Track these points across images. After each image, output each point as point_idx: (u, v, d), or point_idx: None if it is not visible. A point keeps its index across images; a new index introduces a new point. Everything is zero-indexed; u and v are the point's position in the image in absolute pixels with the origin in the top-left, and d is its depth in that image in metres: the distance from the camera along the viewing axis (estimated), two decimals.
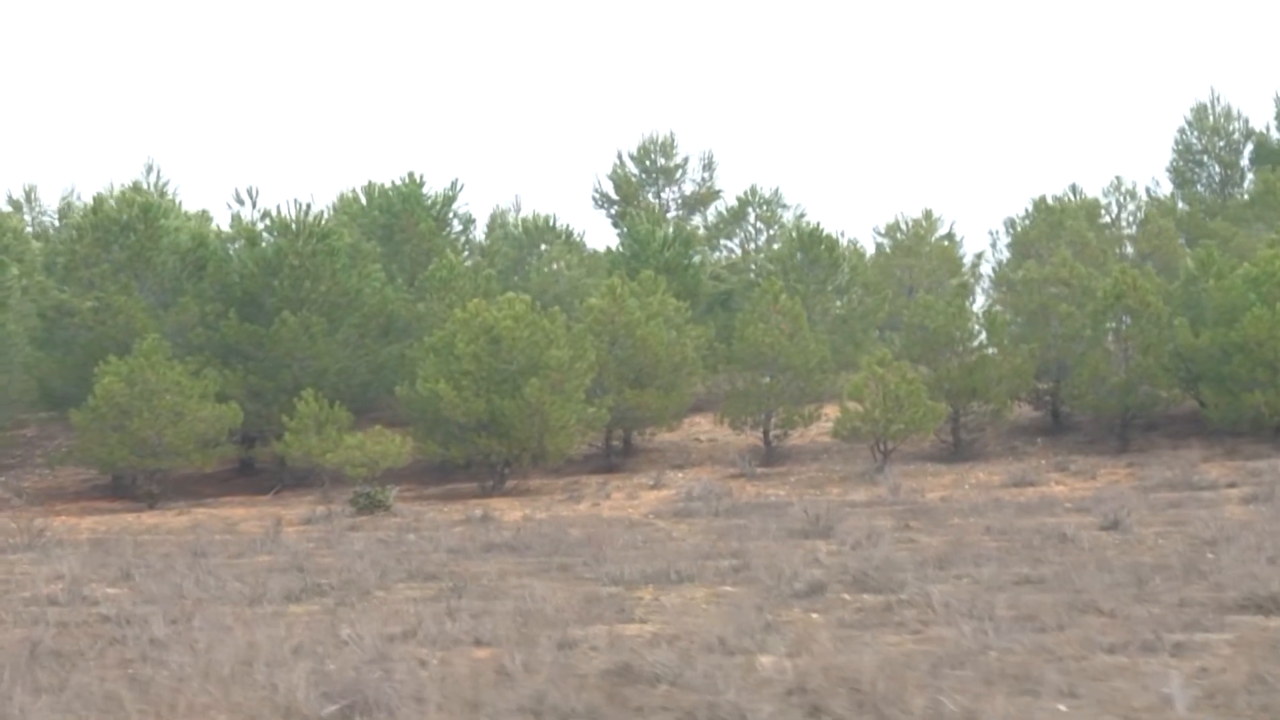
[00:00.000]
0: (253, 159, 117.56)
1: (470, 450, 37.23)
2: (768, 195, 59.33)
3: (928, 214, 58.54)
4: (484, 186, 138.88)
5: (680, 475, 37.96)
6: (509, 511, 32.91)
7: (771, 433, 40.28)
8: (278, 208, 42.72)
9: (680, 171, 65.53)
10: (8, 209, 60.77)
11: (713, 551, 23.46)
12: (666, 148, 65.46)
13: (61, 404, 40.26)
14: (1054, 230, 50.54)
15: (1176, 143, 62.32)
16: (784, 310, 40.30)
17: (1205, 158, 62.10)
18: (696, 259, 50.68)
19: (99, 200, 44.12)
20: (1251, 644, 13.18)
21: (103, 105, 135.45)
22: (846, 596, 18.12)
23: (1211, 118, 61.76)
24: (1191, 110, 62.08)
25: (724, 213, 61.27)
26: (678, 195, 65.62)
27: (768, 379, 40.02)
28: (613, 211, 64.56)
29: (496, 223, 59.74)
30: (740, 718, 11.10)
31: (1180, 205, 58.85)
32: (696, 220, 63.73)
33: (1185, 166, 62.13)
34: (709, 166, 65.52)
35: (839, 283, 48.42)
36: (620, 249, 52.08)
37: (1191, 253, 43.47)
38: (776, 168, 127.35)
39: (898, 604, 17.17)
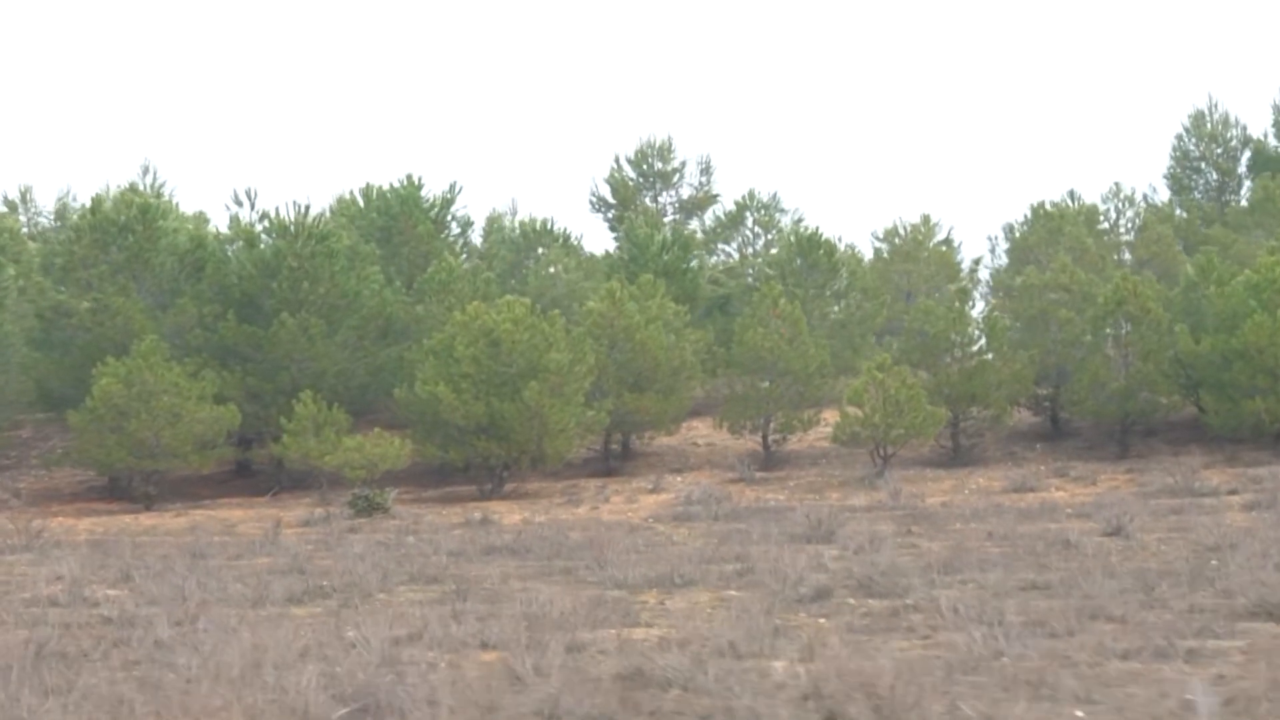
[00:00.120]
0: (248, 161, 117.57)
1: (469, 453, 37.15)
2: (766, 200, 59.39)
3: (926, 219, 58.55)
4: (481, 190, 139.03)
5: (679, 479, 37.89)
6: (508, 515, 32.85)
7: (770, 437, 40.21)
8: (276, 209, 42.62)
9: (678, 175, 65.53)
10: (3, 210, 60.71)
11: (715, 556, 23.40)
12: (664, 152, 65.45)
13: (59, 405, 40.14)
14: (1053, 236, 50.50)
15: (1174, 149, 62.36)
16: (783, 315, 40.25)
17: (1203, 165, 62.13)
18: (695, 263, 50.59)
19: (97, 201, 44.01)
20: (1266, 651, 13.11)
21: (99, 106, 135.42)
22: (852, 601, 18.07)
23: (1209, 124, 61.79)
24: (1189, 117, 62.15)
25: (722, 217, 61.23)
26: (675, 199, 65.61)
27: (767, 383, 39.96)
28: (610, 215, 64.51)
29: (493, 226, 59.66)
30: None
31: (1178, 212, 58.82)
32: (694, 224, 63.66)
33: (1183, 173, 62.16)
34: (706, 171, 65.58)
35: (837, 287, 48.36)
36: (618, 252, 52.05)
37: (1191, 259, 43.45)
38: (774, 172, 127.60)
39: (904, 609, 17.13)
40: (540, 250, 54.40)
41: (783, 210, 59.48)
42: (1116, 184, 58.34)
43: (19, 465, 43.79)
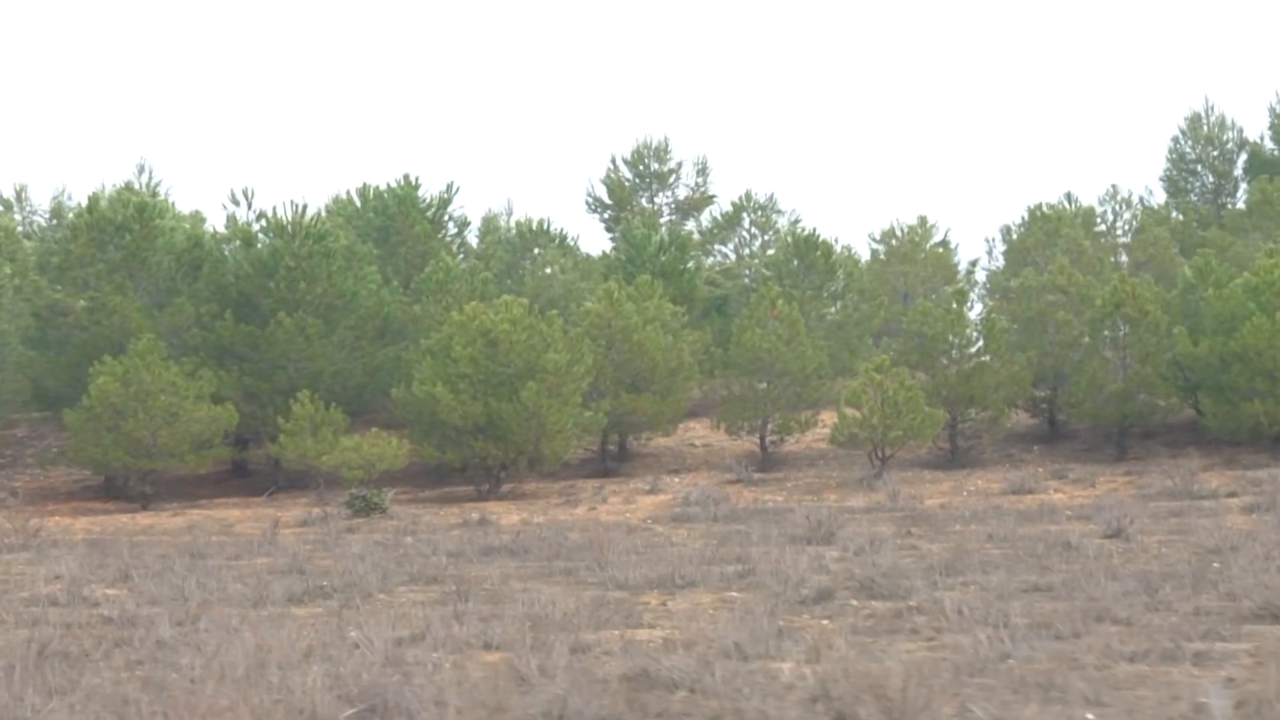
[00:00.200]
0: (243, 160, 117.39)
1: (466, 453, 37.11)
2: (762, 201, 59.32)
3: (923, 220, 58.43)
4: (477, 190, 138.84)
5: (676, 480, 37.86)
6: (505, 515, 32.82)
7: (768, 439, 40.17)
8: (273, 209, 42.57)
9: (674, 176, 65.46)
10: None
11: (715, 557, 23.36)
12: (660, 152, 65.37)
13: (55, 404, 40.08)
14: (1050, 238, 50.46)
15: (1170, 152, 62.34)
16: (781, 316, 40.21)
17: (1199, 167, 62.16)
18: (691, 264, 50.54)
19: (94, 200, 43.89)
20: (1274, 654, 13.06)
21: (94, 105, 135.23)
22: (855, 603, 18.02)
23: (1206, 127, 61.81)
24: (1186, 119, 62.13)
25: (718, 218, 61.15)
26: (671, 200, 65.54)
27: (764, 385, 39.91)
28: (606, 216, 64.45)
29: (489, 227, 59.56)
30: None
31: (1174, 215, 58.81)
32: (690, 225, 63.59)
33: (1179, 176, 62.17)
34: (703, 171, 65.49)
35: (834, 289, 48.33)
36: (615, 253, 52.01)
37: (1189, 262, 43.43)
38: (770, 173, 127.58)
39: (908, 611, 17.09)
40: (536, 251, 54.35)
41: (779, 211, 59.56)
42: (1113, 186, 58.40)
43: (14, 464, 43.71)
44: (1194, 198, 61.55)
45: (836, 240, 49.33)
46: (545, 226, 55.78)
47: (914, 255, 56.50)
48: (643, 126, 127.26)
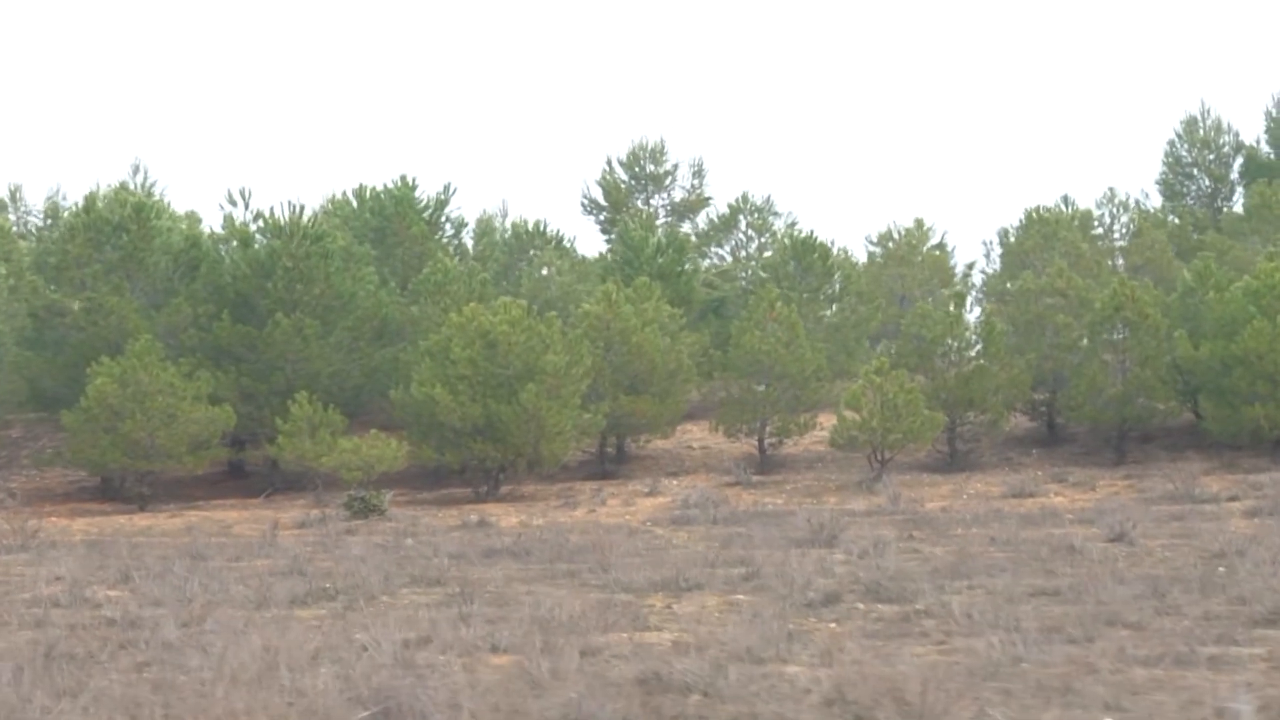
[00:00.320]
0: (237, 161, 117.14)
1: (465, 455, 37.02)
2: (759, 203, 59.17)
3: (919, 223, 58.41)
4: (471, 191, 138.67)
5: (675, 483, 37.79)
6: (505, 517, 32.75)
7: (766, 441, 40.09)
8: (271, 209, 42.43)
9: (670, 178, 65.32)
10: None
11: (718, 560, 23.28)
12: (656, 154, 65.25)
13: (51, 405, 39.93)
14: (1047, 241, 50.45)
15: (1166, 155, 62.29)
16: (780, 318, 40.14)
17: (1195, 171, 62.13)
18: (689, 266, 50.45)
19: (91, 200, 43.74)
20: None
21: (89, 105, 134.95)
22: (861, 606, 17.96)
23: (1202, 130, 61.79)
24: (1182, 123, 62.09)
25: (715, 220, 61.05)
26: (667, 202, 65.41)
27: (763, 387, 39.84)
28: (602, 218, 64.34)
29: (483, 228, 59.41)
30: None
31: (1170, 218, 58.79)
32: (686, 227, 63.45)
33: (1175, 179, 62.14)
34: (699, 173, 65.34)
35: (831, 291, 48.27)
36: (611, 255, 51.93)
37: (1189, 265, 43.39)
38: (766, 176, 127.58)
39: (915, 614, 17.02)
40: (532, 252, 54.25)
41: (776, 213, 59.37)
42: (1111, 189, 58.46)
43: (9, 465, 43.62)
44: (1190, 201, 61.54)
45: (833, 243, 49.08)
46: (542, 228, 55.69)
47: (911, 258, 56.46)
48: (638, 128, 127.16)
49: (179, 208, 53.97)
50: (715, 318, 47.66)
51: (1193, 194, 62.15)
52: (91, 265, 41.01)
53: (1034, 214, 53.55)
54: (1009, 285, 49.20)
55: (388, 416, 39.97)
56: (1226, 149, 61.77)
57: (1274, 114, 61.29)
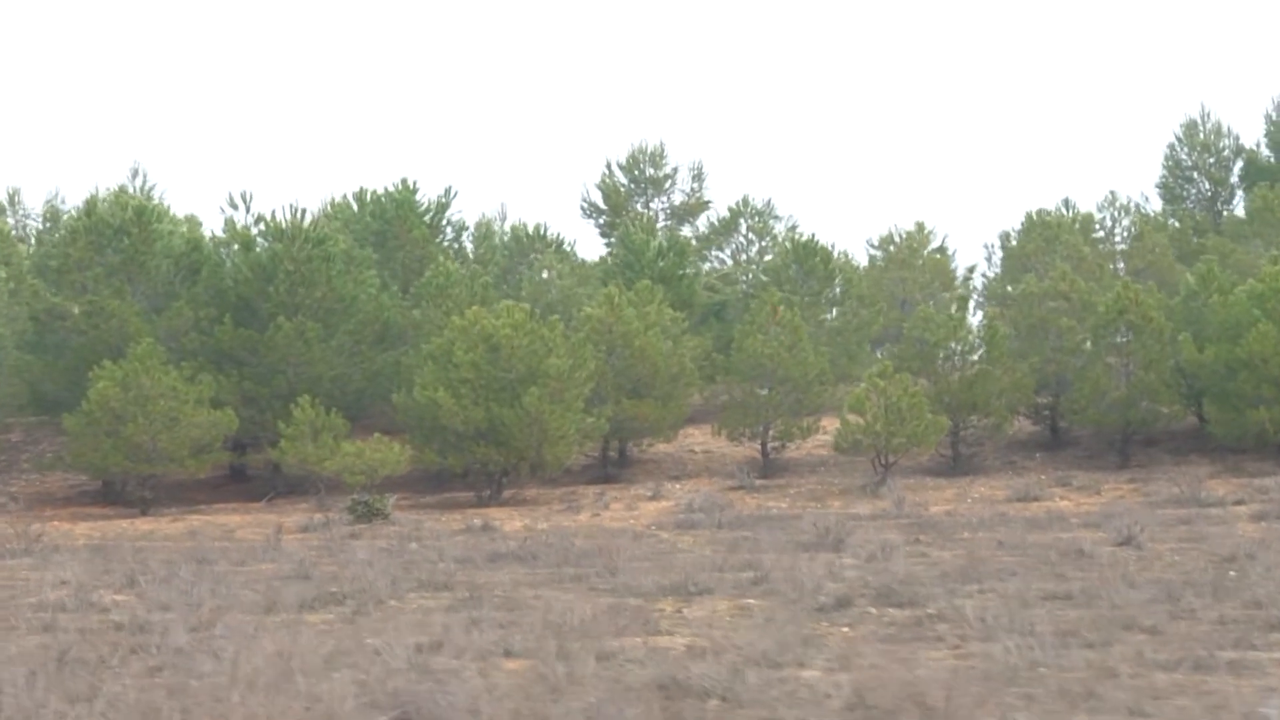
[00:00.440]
0: (236, 165, 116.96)
1: (468, 459, 36.91)
2: (760, 206, 59.06)
3: (920, 226, 58.39)
4: (470, 195, 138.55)
5: (678, 487, 37.70)
6: (508, 521, 32.66)
7: (769, 445, 40.01)
8: (272, 213, 42.34)
9: (669, 182, 65.18)
10: None
11: (725, 564, 23.19)
12: (656, 158, 65.15)
13: (52, 408, 39.84)
14: (1049, 245, 50.41)
15: (1166, 159, 62.20)
16: (783, 321, 40.08)
17: (1195, 174, 62.04)
18: (690, 270, 50.38)
19: (92, 203, 43.64)
20: None
21: (87, 109, 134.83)
22: (873, 610, 17.90)
23: (1202, 134, 61.71)
24: (1181, 126, 62.03)
25: (715, 223, 60.95)
26: (667, 205, 65.30)
27: (766, 391, 39.76)
28: (601, 221, 64.27)
29: (482, 232, 59.31)
30: None
31: (1171, 222, 58.74)
32: (685, 231, 63.37)
33: (1175, 183, 62.05)
34: (698, 177, 65.19)
35: (833, 295, 48.24)
36: (612, 258, 51.86)
37: (1192, 269, 43.32)
38: (766, 179, 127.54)
39: (928, 618, 16.97)
40: (533, 256, 54.16)
41: (777, 217, 59.26)
42: (1112, 193, 58.33)
43: (9, 469, 43.49)
44: (1190, 205, 61.48)
45: (834, 246, 49.08)
46: (542, 231, 55.64)
47: (912, 261, 56.44)
48: (638, 131, 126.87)
49: (178, 211, 53.87)
50: (716, 321, 47.61)
51: (1192, 197, 62.08)
52: (93, 268, 40.89)
53: (1035, 217, 53.48)
54: (1009, 289, 49.17)
55: (389, 420, 39.86)
56: (1226, 152, 61.72)
57: (1274, 117, 61.22)
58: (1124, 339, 38.47)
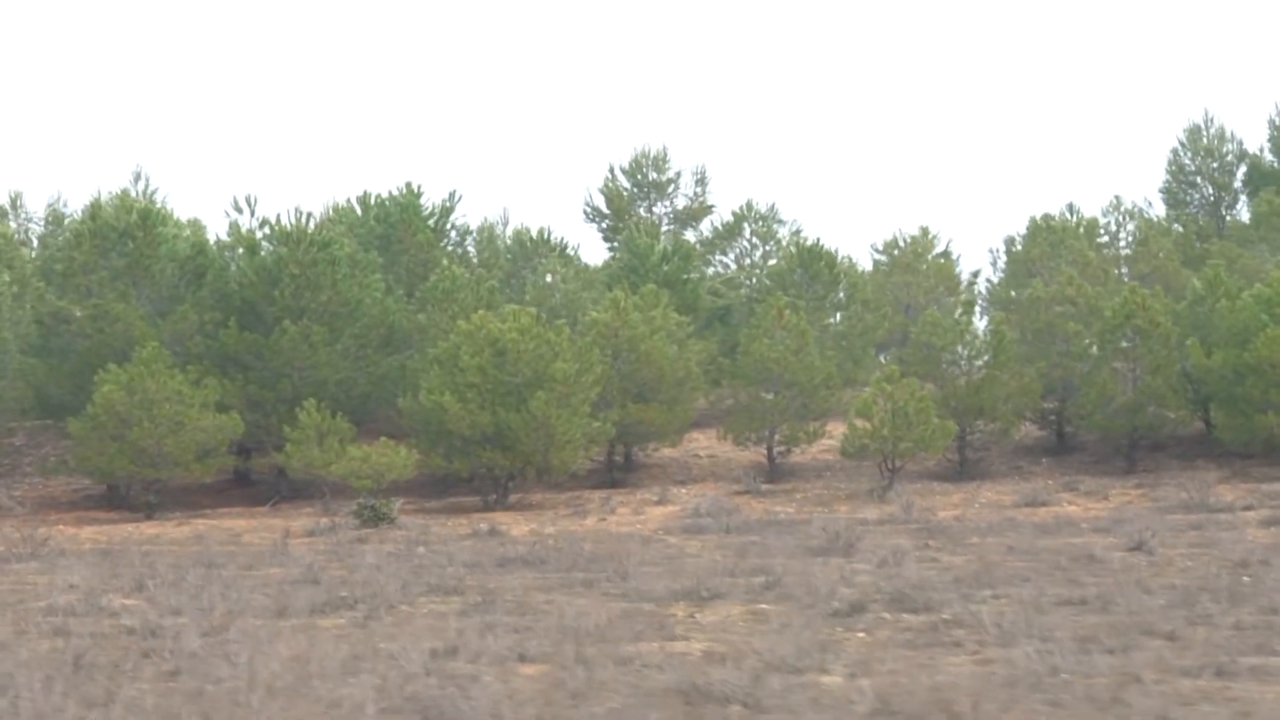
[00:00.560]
0: (239, 169, 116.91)
1: (474, 463, 36.79)
2: (764, 211, 58.95)
3: (925, 231, 58.32)
4: (472, 199, 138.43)
5: (684, 491, 37.62)
6: (515, 526, 32.57)
7: (775, 449, 39.91)
8: (277, 216, 42.29)
9: (672, 186, 65.05)
10: None
11: (736, 569, 23.12)
12: (659, 162, 65.03)
13: (57, 412, 39.72)
14: (1054, 249, 50.32)
15: (1170, 164, 62.08)
16: (789, 326, 39.99)
17: (1199, 179, 61.93)
18: (695, 274, 50.31)
19: (96, 206, 43.62)
20: None
21: (90, 112, 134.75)
22: (888, 616, 17.83)
23: (1205, 139, 61.61)
24: (1185, 131, 61.91)
25: (718, 228, 60.86)
26: (670, 210, 65.18)
27: (771, 395, 39.67)
28: (604, 225, 64.15)
29: (485, 236, 59.26)
30: None
31: (1174, 227, 58.62)
32: (689, 235, 63.29)
33: (1178, 188, 61.93)
34: (701, 181, 65.03)
35: (837, 299, 48.17)
36: (616, 262, 51.78)
37: (1198, 274, 43.23)
38: (769, 183, 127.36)
39: (943, 624, 16.90)
40: (536, 260, 54.09)
41: (781, 221, 59.13)
42: (1117, 197, 58.08)
43: (13, 473, 43.34)
44: (1193, 210, 61.36)
45: (838, 251, 49.01)
46: (546, 236, 55.58)
47: (916, 266, 56.36)
48: (641, 136, 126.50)
49: (181, 215, 53.83)
50: (721, 325, 47.54)
51: (1196, 202, 61.95)
52: (97, 272, 40.80)
53: (1039, 222, 53.39)
54: (1013, 293, 49.08)
55: (394, 424, 39.72)
56: (1230, 157, 61.62)
57: (1278, 122, 61.10)
58: (1131, 344, 38.33)
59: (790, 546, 26.04)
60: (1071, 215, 55.88)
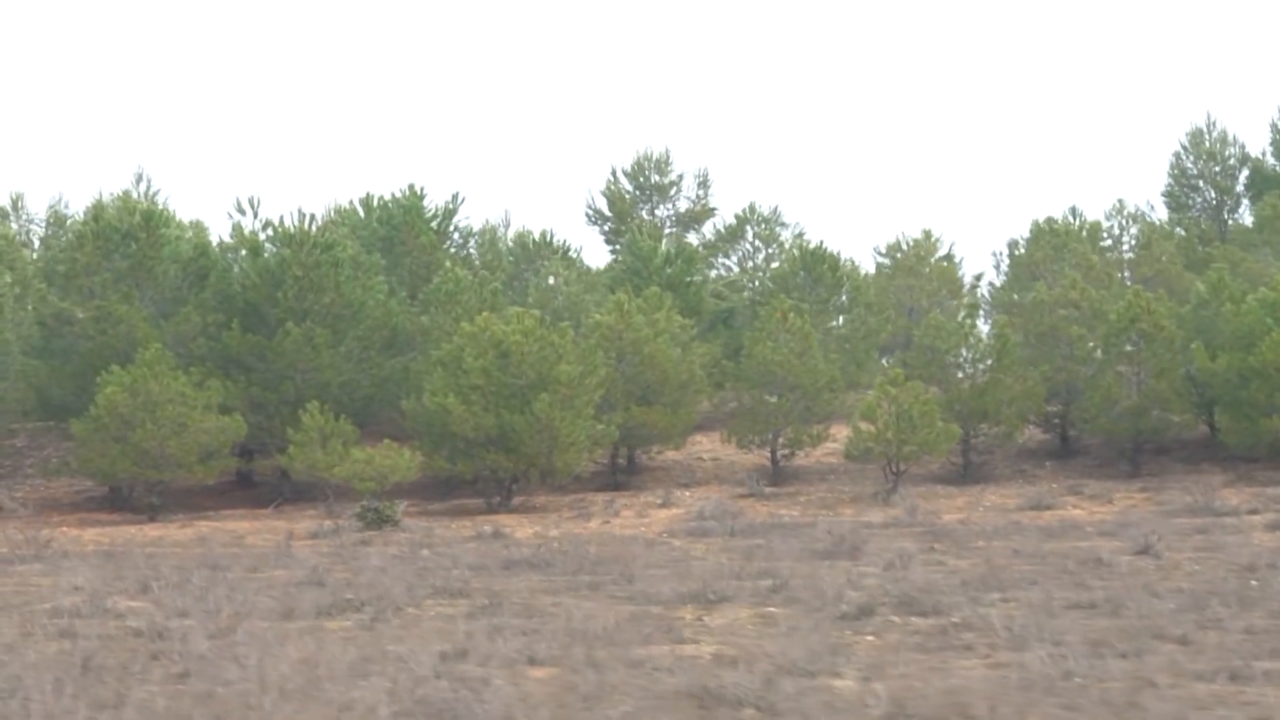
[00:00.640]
0: (241, 170, 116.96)
1: (478, 465, 36.77)
2: (766, 213, 58.98)
3: (928, 234, 58.34)
4: (474, 201, 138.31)
5: (688, 494, 37.60)
6: (519, 528, 32.52)
7: (779, 452, 39.87)
8: (280, 218, 42.29)
9: (675, 188, 65.10)
10: None
11: (742, 572, 23.05)
12: (661, 164, 65.06)
13: (59, 413, 39.67)
14: (1057, 253, 50.29)
15: (1172, 167, 62.07)
16: (792, 329, 39.96)
17: (1201, 183, 61.91)
18: (697, 277, 50.28)
19: (99, 208, 43.58)
20: None
21: (91, 113, 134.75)
22: (896, 619, 17.76)
23: (1207, 142, 61.59)
24: (1187, 135, 61.90)
25: (721, 230, 60.88)
26: (672, 212, 65.22)
27: (775, 398, 39.63)
28: (606, 228, 64.16)
29: (487, 238, 59.25)
30: None
31: (1177, 230, 58.60)
32: (691, 238, 63.28)
33: (1180, 191, 61.93)
34: (704, 184, 65.13)
35: (840, 302, 48.15)
36: (619, 265, 51.76)
37: (1200, 277, 43.22)
38: (772, 186, 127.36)
39: (952, 627, 16.82)
40: (538, 262, 54.06)
41: (783, 224, 59.16)
42: (1120, 201, 58.16)
43: (15, 474, 43.31)
44: (1195, 213, 61.35)
45: (841, 254, 49.02)
46: (549, 238, 55.56)
47: (919, 269, 56.35)
48: (643, 138, 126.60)
49: (184, 217, 53.82)
50: (724, 328, 47.52)
51: (1198, 206, 61.96)
52: (100, 273, 40.78)
53: (1042, 225, 53.36)
54: (1016, 297, 49.07)
55: (397, 426, 39.69)
56: (1232, 161, 61.61)
57: None
58: (1135, 347, 38.35)
59: (796, 550, 25.98)
60: (1074, 218, 55.92)
